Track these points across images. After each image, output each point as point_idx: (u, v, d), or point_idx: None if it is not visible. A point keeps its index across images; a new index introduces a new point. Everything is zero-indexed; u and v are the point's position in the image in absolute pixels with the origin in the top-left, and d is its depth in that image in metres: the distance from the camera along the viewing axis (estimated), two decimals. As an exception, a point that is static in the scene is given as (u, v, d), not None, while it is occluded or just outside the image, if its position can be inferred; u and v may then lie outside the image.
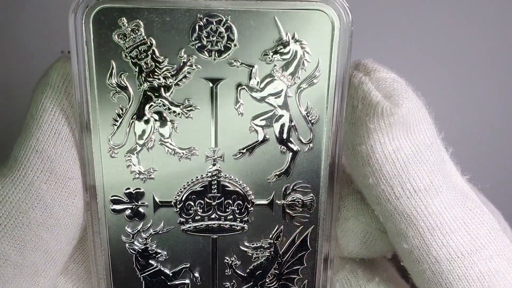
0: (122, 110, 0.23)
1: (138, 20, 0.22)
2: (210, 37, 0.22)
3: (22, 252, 0.24)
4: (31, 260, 0.24)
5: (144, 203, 0.25)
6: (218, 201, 0.25)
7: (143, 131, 0.23)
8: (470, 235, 0.24)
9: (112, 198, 0.24)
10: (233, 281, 0.26)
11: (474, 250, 0.24)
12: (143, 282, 0.26)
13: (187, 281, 0.26)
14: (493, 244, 0.24)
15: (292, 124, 0.24)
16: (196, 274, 0.26)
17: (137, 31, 0.22)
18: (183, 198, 0.25)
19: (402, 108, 0.22)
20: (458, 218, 0.24)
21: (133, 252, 0.25)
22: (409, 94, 0.23)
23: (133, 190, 0.24)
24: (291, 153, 0.24)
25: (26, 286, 0.25)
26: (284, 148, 0.24)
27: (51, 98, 0.23)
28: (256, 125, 0.24)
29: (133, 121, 0.23)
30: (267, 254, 0.26)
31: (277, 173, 0.24)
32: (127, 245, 0.25)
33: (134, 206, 0.25)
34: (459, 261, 0.24)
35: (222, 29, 0.22)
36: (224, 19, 0.22)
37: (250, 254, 0.26)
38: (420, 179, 0.23)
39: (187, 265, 0.26)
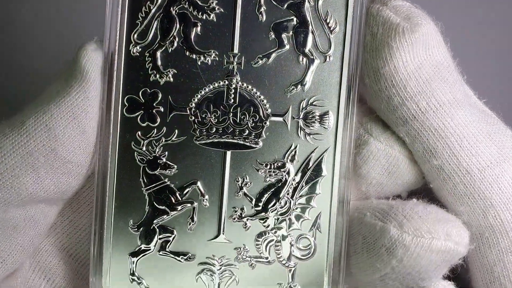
0: (148, 7, 0.24)
1: None
2: None
3: (5, 209, 0.24)
4: (11, 215, 0.24)
5: (158, 107, 0.24)
6: (234, 111, 0.24)
7: (167, 30, 0.24)
8: (496, 146, 0.24)
9: (129, 97, 0.24)
10: (243, 205, 0.25)
11: (503, 159, 0.24)
12: (147, 199, 0.25)
13: (195, 204, 0.25)
14: None
15: (311, 32, 0.24)
16: (205, 193, 0.25)
17: None
18: (199, 105, 0.24)
19: (422, 27, 0.23)
20: (483, 130, 0.24)
21: (142, 162, 0.25)
22: (426, 17, 0.24)
23: (150, 91, 0.24)
24: (309, 63, 0.24)
25: (3, 240, 0.24)
26: (302, 58, 0.24)
27: (79, 84, 0.24)
28: (276, 32, 0.24)
29: (158, 19, 0.24)
30: (280, 176, 0.25)
31: (294, 84, 0.24)
32: (136, 153, 0.25)
33: (148, 109, 0.24)
34: (489, 169, 0.24)
35: None
36: None
37: (262, 175, 0.25)
38: (443, 94, 0.24)
39: (196, 182, 0.25)
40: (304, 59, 0.24)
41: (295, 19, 0.24)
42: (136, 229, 0.25)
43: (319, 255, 0.25)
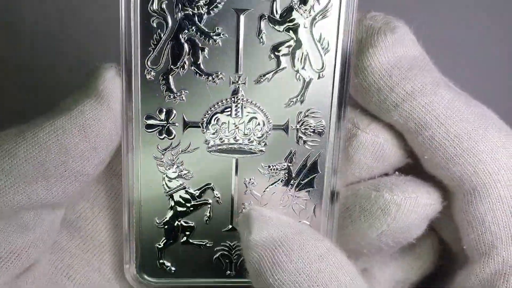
0: (159, 35, 0.26)
1: None
2: (239, -29, 0.26)
3: (16, 210, 0.27)
4: (22, 215, 0.27)
5: (174, 122, 0.28)
6: (240, 123, 0.28)
7: (177, 55, 0.27)
8: (477, 115, 0.29)
9: (147, 116, 0.27)
10: (251, 201, 0.29)
11: (485, 124, 0.29)
12: (169, 201, 0.29)
13: (210, 200, 0.29)
14: (499, 124, 0.29)
15: (306, 53, 0.27)
16: (217, 193, 0.29)
17: (177, -36, 0.25)
18: (209, 119, 0.28)
19: (400, 29, 0.28)
20: (464, 103, 0.29)
21: (162, 171, 0.28)
22: (401, 21, 0.29)
23: (165, 109, 0.27)
24: (304, 81, 0.28)
25: (17, 237, 0.27)
26: (298, 76, 0.28)
27: (92, 104, 0.26)
28: (275, 53, 0.27)
29: (168, 46, 0.27)
30: (281, 176, 0.29)
31: (292, 99, 0.28)
32: (157, 163, 0.28)
33: (165, 124, 0.28)
34: (474, 132, 0.28)
35: None
36: (252, -44, 0.26)
37: (266, 176, 0.29)
38: (424, 77, 0.28)
39: (210, 184, 0.29)
40: (301, 77, 0.28)
41: (292, 41, 0.27)
42: (162, 226, 0.29)
43: None
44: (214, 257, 0.30)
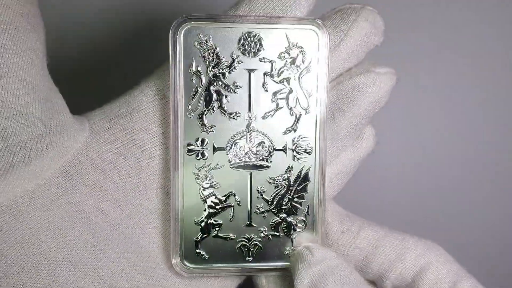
0: (197, 88, 0.39)
1: (209, 35, 0.38)
2: (249, 44, 0.39)
3: None
4: None
5: (207, 148, 0.40)
6: (252, 147, 0.40)
7: (209, 101, 0.39)
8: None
9: (188, 143, 0.39)
10: (262, 204, 0.41)
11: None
12: (204, 205, 0.40)
13: (233, 204, 0.40)
14: None
15: (296, 97, 0.40)
16: (238, 198, 0.40)
17: (208, 41, 0.38)
18: (231, 145, 0.40)
19: None
20: None
21: (199, 183, 0.40)
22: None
23: (201, 139, 0.39)
24: (296, 115, 0.40)
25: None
26: (292, 112, 0.40)
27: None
28: (275, 98, 0.40)
29: (202, 95, 0.39)
30: (283, 184, 0.40)
31: (288, 128, 0.40)
32: (195, 177, 0.40)
33: (201, 149, 0.40)
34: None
35: (256, 40, 0.39)
36: (257, 34, 0.39)
37: (272, 184, 0.40)
38: None
39: (232, 191, 0.40)
40: (293, 113, 0.40)
41: (286, 89, 0.40)
42: (198, 224, 0.40)
43: (309, 228, 0.41)
44: (237, 246, 0.41)
